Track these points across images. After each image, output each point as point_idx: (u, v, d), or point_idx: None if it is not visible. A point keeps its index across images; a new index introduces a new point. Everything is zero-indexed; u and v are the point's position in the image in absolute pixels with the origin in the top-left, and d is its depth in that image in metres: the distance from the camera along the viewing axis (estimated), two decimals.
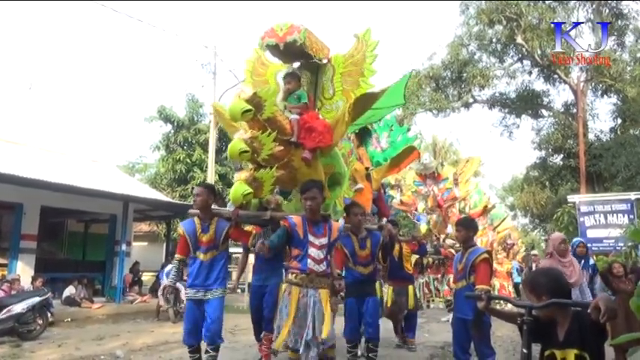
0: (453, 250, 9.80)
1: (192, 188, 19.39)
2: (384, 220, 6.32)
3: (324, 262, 3.97)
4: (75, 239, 15.78)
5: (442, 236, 10.03)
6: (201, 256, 4.31)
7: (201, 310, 4.29)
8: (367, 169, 6.18)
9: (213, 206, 4.43)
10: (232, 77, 17.69)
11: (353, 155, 5.68)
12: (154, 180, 20.88)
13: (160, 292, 11.33)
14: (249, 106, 3.90)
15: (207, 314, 4.27)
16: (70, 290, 11.48)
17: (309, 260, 3.91)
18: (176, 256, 4.51)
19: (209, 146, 15.81)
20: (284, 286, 4.04)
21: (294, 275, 3.96)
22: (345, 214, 4.87)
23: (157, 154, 21.42)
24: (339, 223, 4.30)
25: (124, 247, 13.00)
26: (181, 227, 4.42)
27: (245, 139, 3.95)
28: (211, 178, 15.55)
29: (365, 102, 4.54)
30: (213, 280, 4.31)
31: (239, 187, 4.05)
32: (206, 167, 17.92)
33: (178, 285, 12.06)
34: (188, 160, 19.74)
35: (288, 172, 4.37)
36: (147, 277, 17.03)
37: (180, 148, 20.20)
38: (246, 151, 3.96)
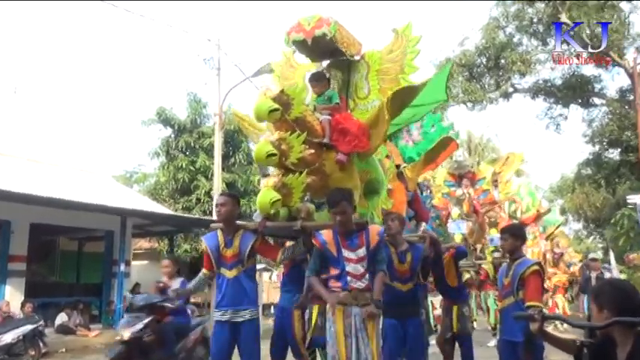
0: (486, 267, 9.64)
1: (197, 199, 19.62)
2: (423, 225, 6.30)
3: (366, 276, 4.01)
4: (68, 259, 16.03)
5: (479, 246, 9.92)
6: (226, 273, 4.42)
7: (231, 333, 4.38)
8: (398, 166, 6.19)
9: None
10: (239, 73, 17.76)
11: (391, 162, 5.71)
12: (153, 191, 21.09)
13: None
14: (276, 105, 4.00)
15: (241, 347, 4.37)
16: (63, 317, 11.64)
17: (348, 278, 3.98)
18: (203, 270, 4.66)
19: (214, 151, 15.91)
20: (327, 306, 4.09)
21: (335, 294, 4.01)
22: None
23: (156, 161, 21.68)
24: (378, 227, 4.32)
25: (122, 267, 13.17)
26: (203, 242, 4.58)
27: (272, 141, 4.03)
28: (218, 186, 15.65)
29: (404, 97, 4.57)
30: (243, 299, 4.40)
31: (267, 193, 4.12)
32: (212, 175, 18.01)
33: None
34: (191, 168, 19.90)
35: (319, 179, 4.41)
36: None
37: (182, 154, 20.37)
38: (273, 154, 4.03)
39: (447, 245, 7.01)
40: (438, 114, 8.13)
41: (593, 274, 10.07)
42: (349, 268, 3.97)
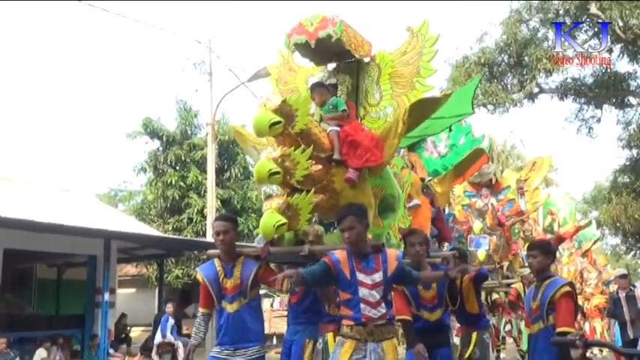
0: (516, 286, 9.57)
1: (189, 219, 19.64)
2: (446, 245, 6.30)
3: (383, 305, 3.97)
4: (46, 289, 16.04)
5: (506, 264, 9.88)
6: (227, 306, 4.37)
7: None
8: (423, 180, 6.22)
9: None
10: (233, 78, 17.80)
11: (409, 174, 5.73)
12: (140, 210, 21.18)
13: (154, 352, 11.45)
14: (278, 118, 4.00)
15: None
16: (41, 353, 11.63)
17: (362, 305, 3.93)
18: (199, 309, 4.59)
19: (207, 165, 15.96)
20: (337, 338, 4.07)
21: (349, 328, 3.97)
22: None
23: (142, 177, 21.81)
24: (396, 252, 4.32)
25: (106, 296, 13.12)
26: (200, 273, 4.50)
27: (275, 157, 4.05)
28: (212, 204, 15.69)
29: (424, 109, 4.62)
30: (246, 335, 4.36)
31: (270, 217, 4.12)
32: (204, 191, 18.06)
33: (176, 342, 12.18)
34: (182, 184, 19.99)
35: (328, 197, 4.43)
36: (136, 333, 17.11)
37: (172, 168, 20.49)
38: (276, 173, 4.04)
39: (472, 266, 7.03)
40: (467, 125, 8.18)
41: (622, 294, 9.78)
42: (363, 293, 3.94)
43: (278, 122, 4.02)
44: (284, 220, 4.13)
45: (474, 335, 6.58)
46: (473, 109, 5.75)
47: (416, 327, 4.86)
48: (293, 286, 4.42)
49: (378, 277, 3.99)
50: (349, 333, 3.95)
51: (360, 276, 3.96)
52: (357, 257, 4.02)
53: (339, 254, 4.04)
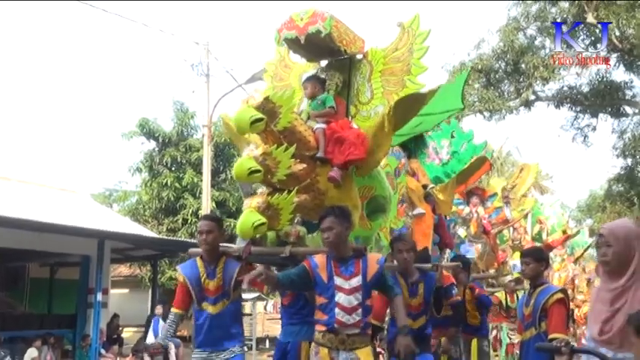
0: (498, 295, 9.55)
1: (184, 220, 19.59)
2: (447, 252, 6.26)
3: (360, 311, 3.86)
4: (38, 288, 15.96)
5: (491, 271, 9.84)
6: (209, 308, 4.29)
7: None
8: (425, 187, 6.19)
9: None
10: (230, 79, 17.79)
11: (402, 173, 5.67)
12: (135, 211, 21.17)
13: (146, 354, 11.38)
14: (259, 115, 3.92)
15: None
16: (32, 352, 11.55)
17: (337, 310, 3.83)
18: (172, 310, 4.49)
19: (203, 166, 15.94)
20: (312, 345, 3.98)
21: (320, 334, 3.90)
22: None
23: (137, 177, 21.76)
24: (377, 255, 4.23)
25: (99, 296, 13.09)
26: (180, 272, 4.40)
27: (256, 155, 3.97)
28: (207, 206, 15.63)
29: (410, 105, 4.54)
30: (228, 336, 4.31)
31: (249, 216, 4.04)
32: (199, 193, 18.04)
33: (167, 342, 12.09)
34: (177, 185, 19.97)
35: (312, 197, 4.36)
36: (129, 334, 17.02)
37: (167, 169, 20.45)
38: (257, 171, 3.96)
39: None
40: (470, 131, 8.14)
41: None
42: (339, 298, 3.84)
43: (260, 119, 3.94)
44: (263, 220, 4.05)
45: (474, 342, 6.76)
46: (463, 103, 5.69)
47: (396, 334, 4.81)
48: (268, 287, 4.38)
49: (356, 281, 3.88)
50: (320, 340, 3.88)
51: (338, 280, 3.87)
52: (337, 261, 3.93)
53: (319, 258, 3.96)
